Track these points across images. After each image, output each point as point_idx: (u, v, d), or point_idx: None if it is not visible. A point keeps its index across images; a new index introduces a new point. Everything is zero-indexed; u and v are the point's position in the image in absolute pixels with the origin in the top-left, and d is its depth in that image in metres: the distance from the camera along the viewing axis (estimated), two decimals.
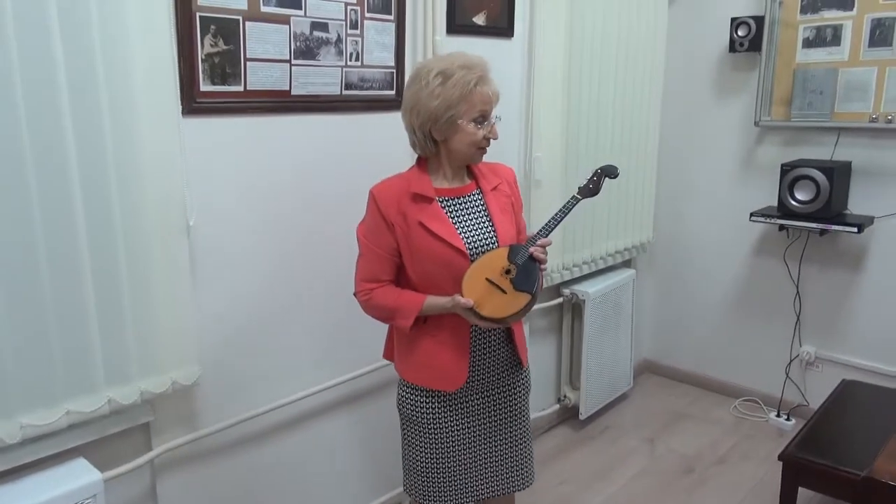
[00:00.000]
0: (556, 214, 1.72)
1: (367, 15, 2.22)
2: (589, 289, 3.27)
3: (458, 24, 2.53)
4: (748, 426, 3.45)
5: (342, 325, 2.33)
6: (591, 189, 1.79)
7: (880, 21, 2.99)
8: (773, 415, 3.46)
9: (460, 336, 1.74)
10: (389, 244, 1.71)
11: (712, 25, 3.48)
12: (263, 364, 2.14)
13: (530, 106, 2.87)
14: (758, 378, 3.62)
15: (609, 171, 1.82)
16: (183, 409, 1.96)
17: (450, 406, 1.79)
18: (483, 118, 1.65)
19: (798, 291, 3.41)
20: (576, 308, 3.35)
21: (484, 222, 1.76)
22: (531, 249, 1.66)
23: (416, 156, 1.77)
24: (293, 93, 2.08)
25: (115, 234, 1.69)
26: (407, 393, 1.82)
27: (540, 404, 3.35)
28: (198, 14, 1.82)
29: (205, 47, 1.85)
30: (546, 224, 1.71)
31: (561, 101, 2.96)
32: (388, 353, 1.94)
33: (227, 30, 1.88)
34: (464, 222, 1.73)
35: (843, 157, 3.17)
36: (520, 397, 1.90)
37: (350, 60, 2.21)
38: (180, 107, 1.81)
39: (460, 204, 1.75)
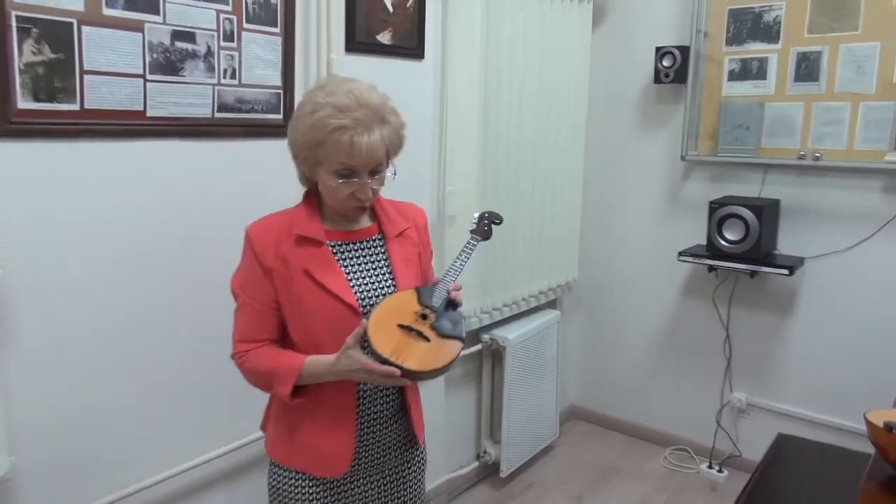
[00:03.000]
0: (460, 256, 1.54)
1: (246, 26, 1.90)
2: (510, 333, 3.00)
3: (358, 42, 2.24)
4: (680, 479, 3.23)
5: (209, 391, 1.95)
6: (486, 232, 1.65)
7: (806, 55, 2.88)
8: (704, 466, 3.25)
9: (344, 413, 1.43)
10: (267, 295, 1.39)
11: (637, 54, 3.32)
12: (109, 445, 1.75)
13: (443, 135, 2.60)
14: (688, 426, 3.42)
15: (494, 217, 1.68)
16: None
17: (332, 494, 1.47)
18: (349, 173, 1.34)
19: (728, 335, 3.24)
20: (496, 354, 3.07)
21: (382, 274, 1.46)
22: (452, 293, 1.43)
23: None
24: (150, 114, 1.73)
25: None
26: (279, 477, 1.48)
27: (458, 461, 3.03)
28: (13, 13, 1.46)
29: (24, 55, 1.49)
30: (454, 267, 1.51)
31: (477, 131, 2.70)
32: (265, 425, 1.59)
33: (56, 34, 1.53)
34: (358, 273, 1.44)
35: (772, 195, 3.03)
36: (415, 477, 1.60)
37: (224, 78, 1.88)
38: None
39: (356, 250, 1.46)
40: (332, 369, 1.34)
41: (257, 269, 1.38)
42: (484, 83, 2.71)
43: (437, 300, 1.41)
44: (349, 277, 1.41)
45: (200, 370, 1.91)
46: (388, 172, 1.42)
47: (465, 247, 1.56)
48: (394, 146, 1.39)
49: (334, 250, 1.43)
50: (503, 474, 3.07)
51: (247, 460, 2.09)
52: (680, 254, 3.08)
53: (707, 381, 3.34)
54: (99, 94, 1.62)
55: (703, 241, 3.12)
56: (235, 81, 1.91)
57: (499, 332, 3.01)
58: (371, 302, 1.42)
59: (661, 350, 3.49)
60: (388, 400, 1.48)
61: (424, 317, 1.38)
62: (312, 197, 1.45)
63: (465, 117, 2.64)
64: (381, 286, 1.44)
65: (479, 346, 3.00)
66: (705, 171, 3.22)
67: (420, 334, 1.35)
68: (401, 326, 1.34)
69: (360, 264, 1.44)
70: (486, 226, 1.65)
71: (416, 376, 1.32)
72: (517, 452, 3.14)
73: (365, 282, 1.43)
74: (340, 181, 1.34)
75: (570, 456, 3.43)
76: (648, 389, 3.55)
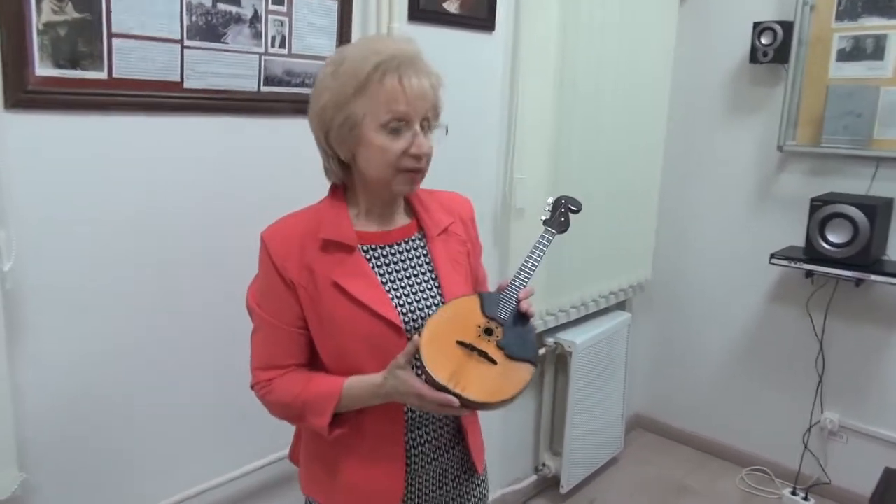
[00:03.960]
0: (532, 255, 1.27)
1: None
2: (576, 338, 2.73)
3: (422, 10, 1.99)
4: None
5: (235, 404, 1.72)
6: (563, 223, 1.35)
7: None
8: (787, 491, 2.92)
9: (390, 445, 1.20)
10: (291, 312, 1.17)
11: (731, 30, 2.96)
12: (125, 459, 1.56)
13: (513, 116, 2.33)
14: (769, 445, 3.09)
15: (571, 203, 1.38)
16: None
17: None
18: (401, 122, 1.11)
19: (822, 348, 2.89)
20: (560, 360, 2.80)
21: (426, 281, 1.22)
22: (522, 302, 1.19)
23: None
24: (187, 85, 1.52)
25: None
26: None
27: (514, 474, 2.79)
28: None
29: (43, 13, 1.29)
30: (525, 267, 1.25)
31: (550, 112, 2.42)
32: (295, 455, 1.38)
33: None
34: (398, 282, 1.20)
35: (882, 193, 2.66)
36: None
37: (272, 46, 1.65)
38: (1, 97, 1.25)
39: (393, 254, 1.22)
40: (379, 391, 1.11)
41: (277, 282, 1.15)
42: (560, 58, 2.42)
43: (505, 311, 1.17)
44: (387, 288, 1.18)
45: (229, 381, 1.69)
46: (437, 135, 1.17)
47: (539, 242, 1.29)
48: (438, 104, 1.17)
49: (367, 256, 1.19)
50: (563, 490, 2.82)
51: (272, 480, 1.89)
52: (773, 256, 2.75)
53: (794, 398, 3.00)
54: (129, 62, 1.41)
55: (798, 242, 2.79)
56: (285, 51, 1.68)
57: (564, 336, 2.74)
58: (415, 316, 1.18)
59: (741, 359, 3.16)
60: (440, 426, 1.25)
61: (489, 332, 1.14)
62: (340, 193, 1.21)
63: (538, 97, 2.36)
64: (425, 296, 1.20)
65: (542, 351, 2.73)
66: (804, 163, 2.86)
67: (484, 355, 1.11)
68: (461, 344, 1.11)
69: (398, 271, 1.20)
70: (562, 215, 1.36)
71: (478, 407, 1.08)
72: (579, 466, 2.88)
73: (406, 292, 1.19)
74: (391, 136, 1.10)
75: (635, 471, 3.15)
76: (725, 402, 3.23)
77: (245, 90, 1.62)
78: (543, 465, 2.88)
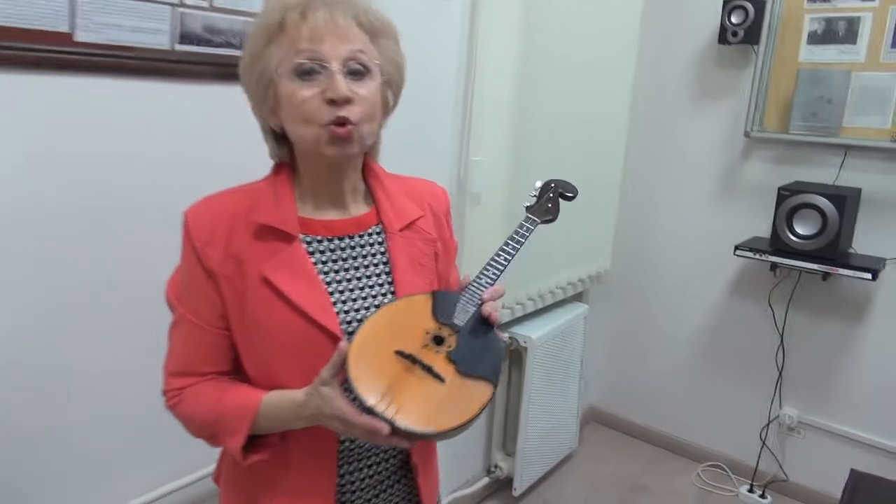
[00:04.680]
0: (506, 247, 1.07)
1: None
2: (532, 332, 2.56)
3: None
4: (715, 502, 2.82)
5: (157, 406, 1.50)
6: (549, 210, 1.18)
7: None
8: (744, 488, 2.84)
9: (320, 478, 0.99)
10: (211, 308, 0.95)
11: (700, 8, 2.80)
12: (22, 475, 1.30)
13: (469, 91, 2.12)
14: (726, 440, 3.01)
15: (564, 188, 1.20)
16: None
17: None
18: (310, 63, 0.88)
19: (782, 342, 2.80)
20: (515, 355, 2.63)
21: (379, 285, 1.01)
22: (485, 305, 0.97)
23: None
24: (79, 38, 1.25)
25: None
26: None
27: (464, 476, 2.62)
28: None
29: None
30: (495, 262, 1.04)
31: (511, 90, 2.22)
32: (220, 476, 1.15)
33: None
34: (344, 282, 0.99)
35: (850, 183, 2.56)
36: None
37: None
38: None
39: (343, 249, 1.00)
40: (301, 412, 0.90)
41: (197, 270, 0.94)
42: (524, 33, 2.21)
43: (462, 314, 0.96)
44: (330, 290, 0.97)
45: (146, 383, 1.45)
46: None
47: (516, 232, 1.09)
48: (383, 50, 0.95)
49: (311, 248, 0.97)
50: (516, 492, 2.66)
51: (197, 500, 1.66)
52: (737, 248, 2.62)
53: (753, 393, 2.91)
54: (2, 5, 1.13)
55: (762, 233, 2.69)
56: (205, 3, 1.42)
57: (519, 331, 2.57)
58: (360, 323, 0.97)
59: (700, 353, 3.05)
60: (384, 458, 1.05)
61: (439, 340, 0.93)
62: (285, 171, 1.00)
63: (498, 69, 2.15)
64: (376, 302, 1.00)
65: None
66: (771, 150, 2.74)
67: (429, 370, 0.89)
68: (401, 355, 0.90)
69: (346, 270, 0.99)
70: (549, 201, 1.17)
71: (414, 437, 0.86)
72: (532, 466, 2.73)
73: (353, 296, 0.98)
74: (302, 83, 0.89)
75: (591, 470, 3.02)
76: (682, 396, 3.12)
77: (155, 48, 1.36)
78: (496, 466, 2.71)
